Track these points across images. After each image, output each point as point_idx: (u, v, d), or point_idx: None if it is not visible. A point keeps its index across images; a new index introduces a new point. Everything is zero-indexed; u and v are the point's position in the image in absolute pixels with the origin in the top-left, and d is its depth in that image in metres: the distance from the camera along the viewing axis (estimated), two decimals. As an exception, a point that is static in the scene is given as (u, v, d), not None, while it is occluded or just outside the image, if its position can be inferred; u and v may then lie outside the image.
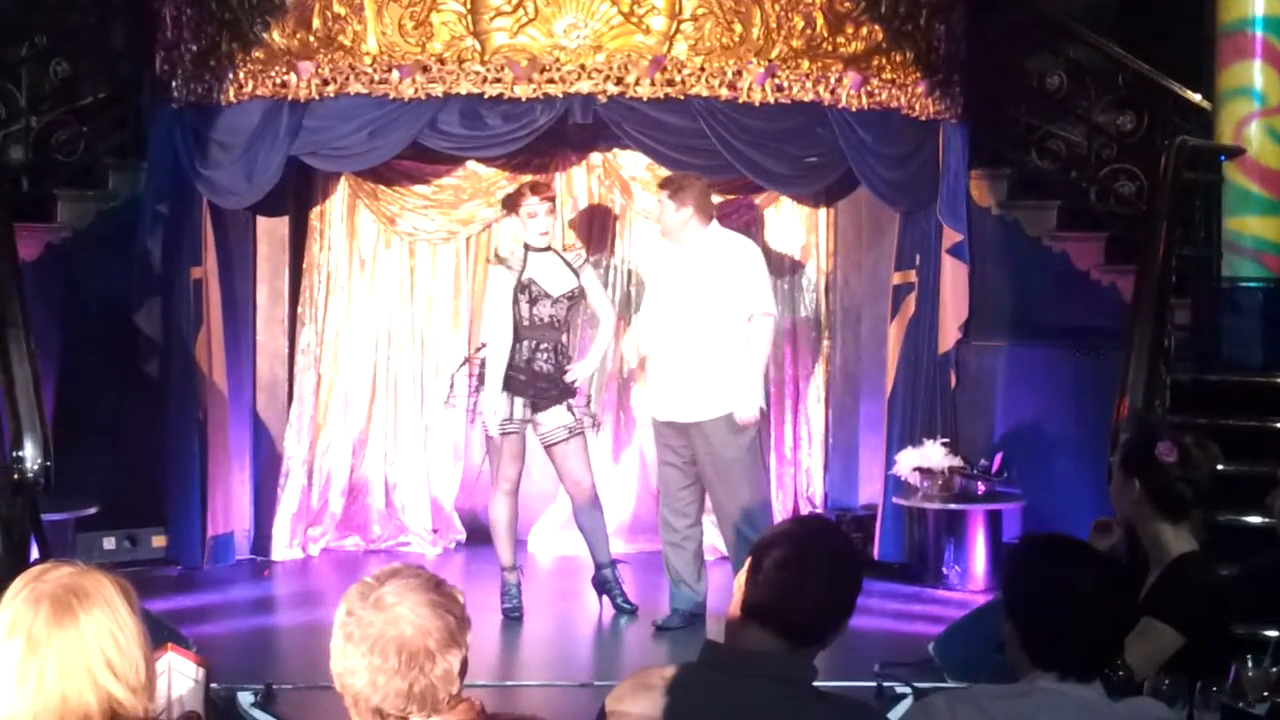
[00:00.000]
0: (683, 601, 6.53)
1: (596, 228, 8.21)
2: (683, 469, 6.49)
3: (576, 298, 6.81)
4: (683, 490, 6.52)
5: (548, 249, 6.74)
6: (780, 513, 8.10)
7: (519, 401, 6.60)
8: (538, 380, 6.63)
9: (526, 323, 6.63)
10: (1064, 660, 2.72)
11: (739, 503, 6.37)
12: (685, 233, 6.47)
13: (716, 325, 6.40)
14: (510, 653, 6.26)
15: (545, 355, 6.66)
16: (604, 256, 8.15)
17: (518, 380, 6.59)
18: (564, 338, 6.89)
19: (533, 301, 6.64)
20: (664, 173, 7.86)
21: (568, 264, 6.78)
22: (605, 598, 6.84)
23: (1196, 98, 7.64)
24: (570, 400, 6.69)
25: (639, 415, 8.12)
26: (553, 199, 6.90)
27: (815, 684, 2.71)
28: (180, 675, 3.22)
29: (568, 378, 6.71)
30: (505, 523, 6.71)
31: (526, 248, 6.71)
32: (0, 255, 6.17)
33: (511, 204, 6.81)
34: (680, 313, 6.45)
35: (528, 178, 7.94)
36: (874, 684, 5.44)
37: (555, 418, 6.65)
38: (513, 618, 6.68)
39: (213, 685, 3.39)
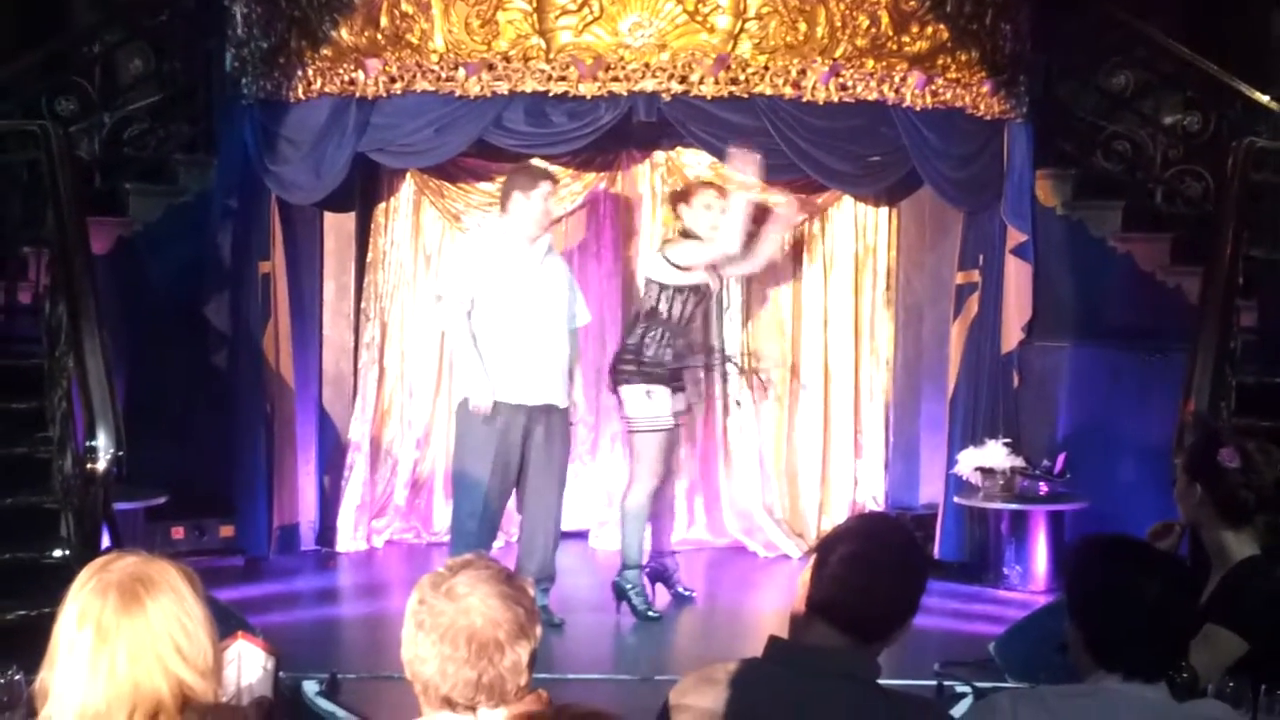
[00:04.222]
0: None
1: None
2: (511, 459, 6.43)
3: (705, 294, 6.88)
4: (512, 481, 6.48)
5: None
6: (842, 511, 8.13)
7: (677, 397, 6.74)
8: (682, 374, 6.80)
9: (679, 321, 6.72)
10: (1130, 662, 2.72)
11: (556, 494, 6.52)
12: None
13: (563, 318, 6.55)
14: (572, 646, 6.28)
15: (695, 352, 7.00)
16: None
17: (679, 376, 6.75)
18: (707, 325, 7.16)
19: (699, 300, 6.81)
20: (725, 171, 7.90)
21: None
22: (661, 585, 6.91)
23: (1265, 99, 7.56)
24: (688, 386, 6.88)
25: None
26: (727, 195, 6.96)
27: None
28: (250, 662, 3.26)
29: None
30: (649, 514, 6.74)
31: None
32: (74, 249, 6.26)
33: (682, 197, 6.87)
34: (543, 303, 6.46)
35: (591, 175, 8.03)
36: (934, 683, 5.43)
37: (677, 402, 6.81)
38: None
39: (280, 674, 3.43)
